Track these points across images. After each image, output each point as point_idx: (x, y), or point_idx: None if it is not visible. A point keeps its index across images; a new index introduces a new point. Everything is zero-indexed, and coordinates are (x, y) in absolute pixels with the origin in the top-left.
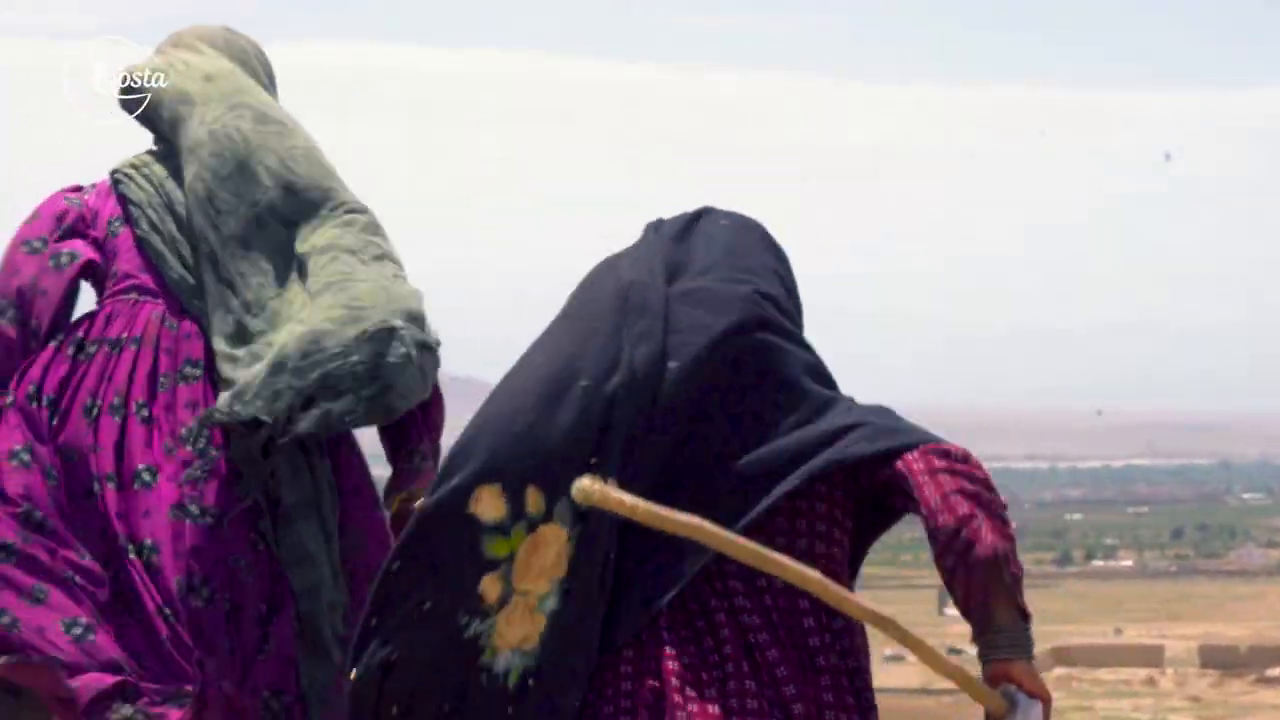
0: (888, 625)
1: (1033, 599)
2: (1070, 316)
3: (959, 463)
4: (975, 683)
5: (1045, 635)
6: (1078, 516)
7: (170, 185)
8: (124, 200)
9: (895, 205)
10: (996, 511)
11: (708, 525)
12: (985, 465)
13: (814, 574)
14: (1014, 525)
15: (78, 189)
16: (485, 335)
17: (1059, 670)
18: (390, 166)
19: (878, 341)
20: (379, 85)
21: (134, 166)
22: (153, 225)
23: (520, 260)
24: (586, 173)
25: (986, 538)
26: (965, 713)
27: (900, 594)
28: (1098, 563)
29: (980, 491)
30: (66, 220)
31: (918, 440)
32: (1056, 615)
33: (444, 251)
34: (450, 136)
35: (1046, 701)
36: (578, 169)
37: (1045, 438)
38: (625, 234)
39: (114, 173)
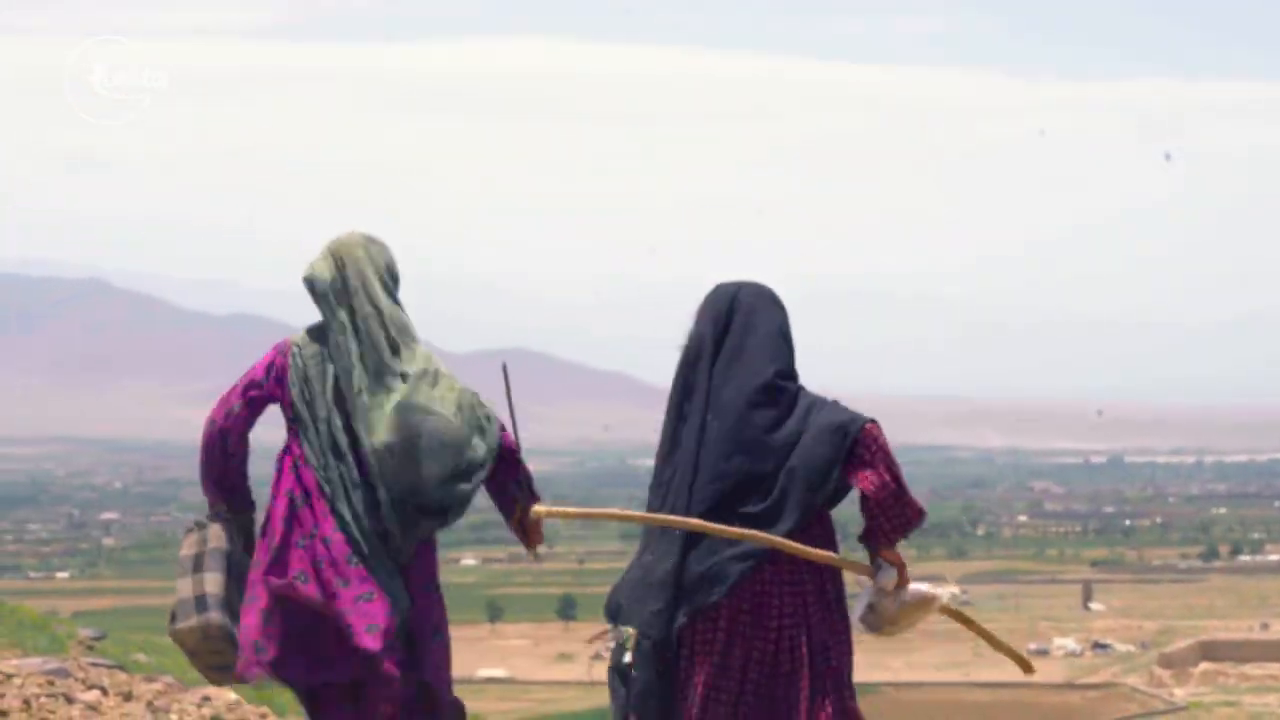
0: (782, 545)
1: (1179, 593)
2: (1222, 308)
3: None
4: (852, 562)
5: (1191, 630)
6: (1224, 510)
7: (312, 365)
8: (285, 372)
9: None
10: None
11: (627, 512)
12: (1130, 459)
13: (704, 522)
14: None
15: (283, 350)
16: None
17: (1205, 665)
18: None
19: (1030, 339)
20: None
21: (298, 345)
22: (299, 397)
23: (671, 262)
24: (728, 171)
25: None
26: (1110, 708)
27: (1046, 588)
28: (1244, 557)
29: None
30: (267, 376)
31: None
32: (1202, 610)
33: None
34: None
35: (900, 566)
36: (719, 168)
37: (1191, 431)
38: (771, 235)
39: (289, 348)
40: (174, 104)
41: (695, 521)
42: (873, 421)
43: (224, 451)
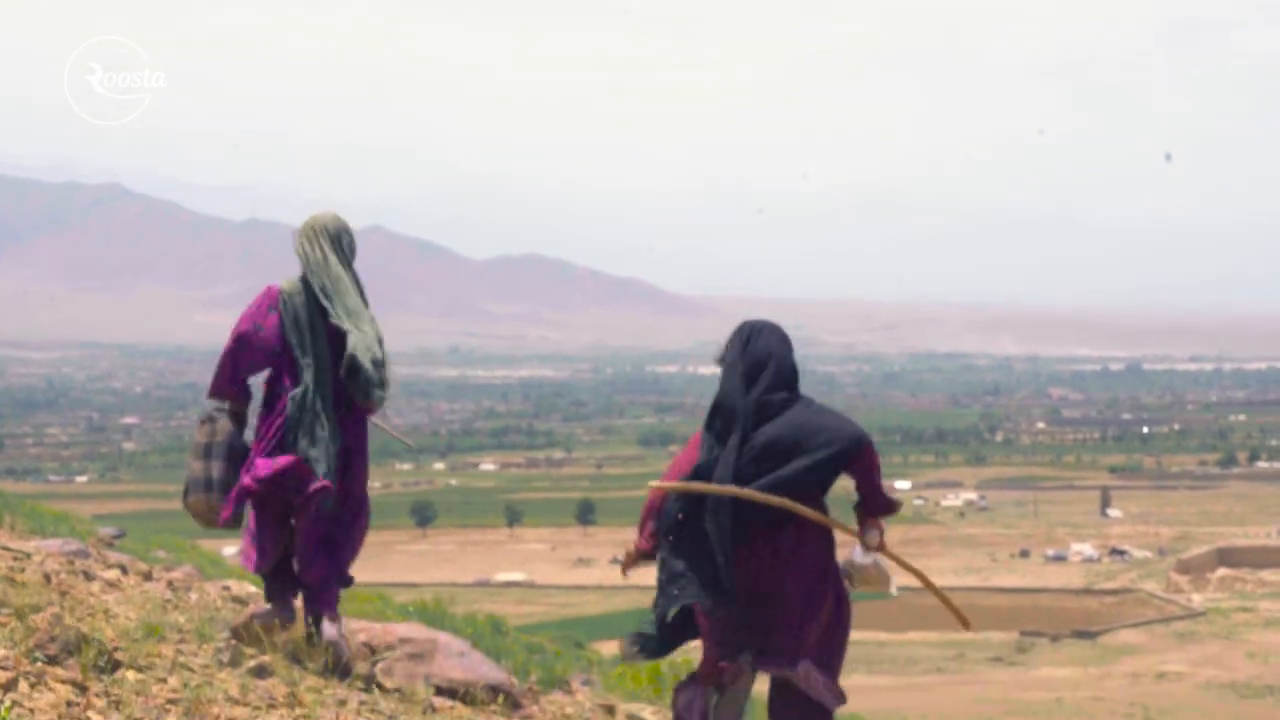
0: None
1: (1196, 499)
2: (1242, 212)
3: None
4: (846, 525)
5: (1209, 536)
6: (1242, 418)
7: (299, 305)
8: (281, 307)
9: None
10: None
11: (696, 484)
12: (1150, 366)
13: (745, 490)
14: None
15: (273, 291)
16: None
17: (1222, 571)
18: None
19: (1050, 246)
20: None
21: (289, 294)
22: (293, 323)
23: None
24: (749, 76)
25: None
26: (1127, 613)
27: (1064, 494)
28: (1262, 464)
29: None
30: (268, 304)
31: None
32: (1220, 516)
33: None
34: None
35: (881, 531)
36: (741, 73)
37: (1210, 338)
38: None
39: (280, 292)
40: (195, 10)
41: (772, 498)
42: (870, 440)
43: (249, 359)
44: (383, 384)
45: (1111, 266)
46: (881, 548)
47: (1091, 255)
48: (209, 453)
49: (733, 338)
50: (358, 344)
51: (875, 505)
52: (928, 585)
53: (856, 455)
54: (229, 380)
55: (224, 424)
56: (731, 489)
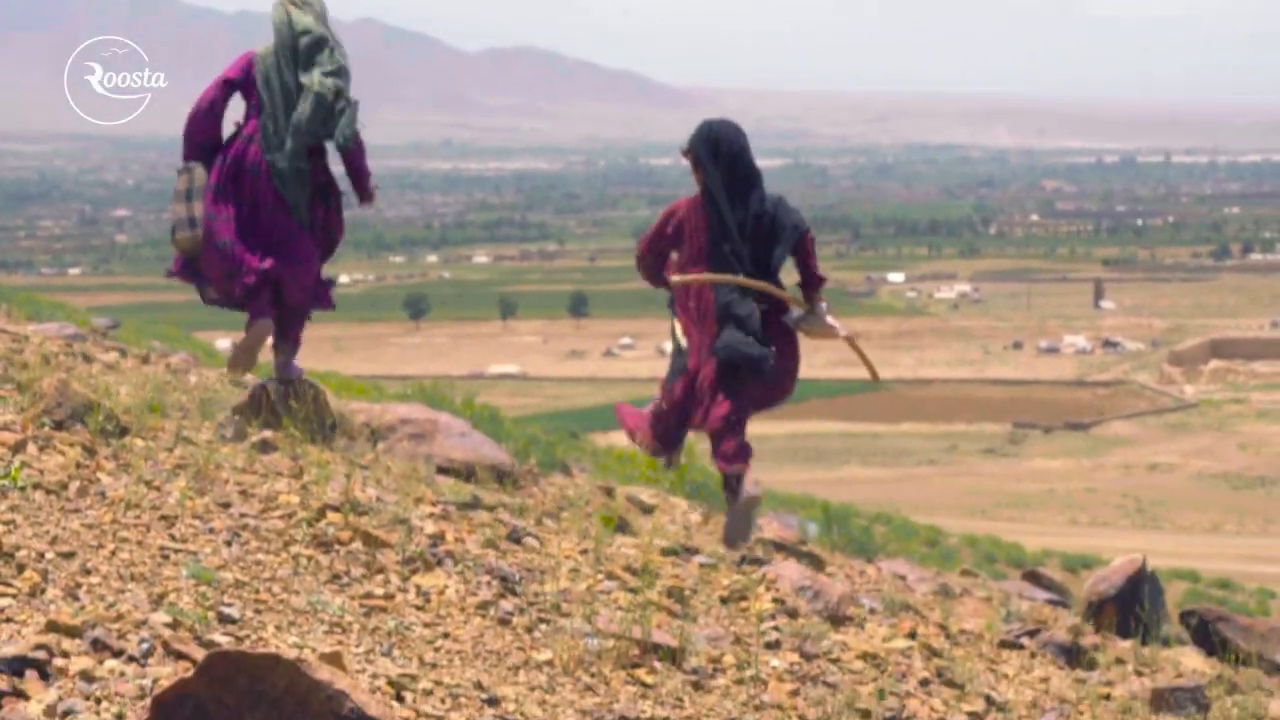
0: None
1: (1190, 292)
2: (1239, 2)
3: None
4: (797, 299)
5: (1202, 329)
6: (1236, 210)
7: (269, 67)
8: (253, 67)
9: None
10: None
11: (705, 275)
12: (1144, 158)
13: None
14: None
15: (250, 55)
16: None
17: (1215, 363)
18: None
19: (1044, 35)
20: None
21: (262, 56)
22: (264, 82)
23: None
24: None
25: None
26: (1120, 404)
27: (1057, 286)
28: (1256, 256)
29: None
30: (244, 65)
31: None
32: (1214, 308)
33: None
34: None
35: (824, 300)
36: None
37: (1205, 131)
38: None
39: (255, 55)
40: None
41: (764, 284)
42: (809, 227)
43: (209, 119)
44: (334, 117)
45: (1105, 57)
46: (828, 312)
47: (1086, 46)
48: (189, 196)
49: (697, 138)
50: (317, 84)
51: (816, 280)
52: (851, 346)
53: (806, 242)
54: (201, 139)
55: (200, 171)
56: (741, 279)
